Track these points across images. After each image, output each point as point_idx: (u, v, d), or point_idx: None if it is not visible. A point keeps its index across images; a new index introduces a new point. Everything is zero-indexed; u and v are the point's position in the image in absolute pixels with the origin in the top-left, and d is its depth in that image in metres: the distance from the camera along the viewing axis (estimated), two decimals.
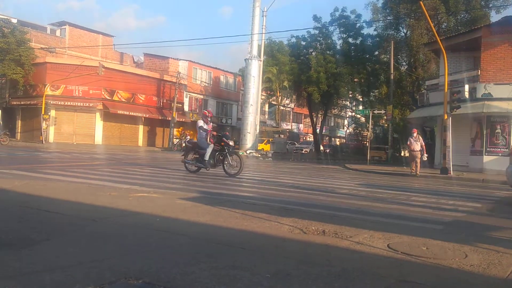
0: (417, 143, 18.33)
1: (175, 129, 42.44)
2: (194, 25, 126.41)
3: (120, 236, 4.29)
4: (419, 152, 18.28)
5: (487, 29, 22.13)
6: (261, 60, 36.29)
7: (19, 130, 39.44)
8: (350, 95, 51.64)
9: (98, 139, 38.39)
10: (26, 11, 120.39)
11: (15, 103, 39.27)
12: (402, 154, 59.50)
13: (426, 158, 19.22)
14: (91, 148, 31.26)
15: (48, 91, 35.93)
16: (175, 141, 41.07)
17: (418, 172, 18.12)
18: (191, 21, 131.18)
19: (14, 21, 40.11)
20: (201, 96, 50.29)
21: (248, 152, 33.65)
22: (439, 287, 3.29)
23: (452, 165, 18.68)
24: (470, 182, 16.16)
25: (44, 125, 34.42)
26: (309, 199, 8.45)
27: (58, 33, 47.11)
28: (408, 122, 35.71)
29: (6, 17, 39.51)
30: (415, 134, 18.59)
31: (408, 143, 18.71)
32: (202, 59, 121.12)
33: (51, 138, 36.45)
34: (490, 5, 33.27)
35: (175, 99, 42.28)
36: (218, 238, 4.35)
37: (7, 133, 29.62)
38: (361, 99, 50.90)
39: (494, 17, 32.36)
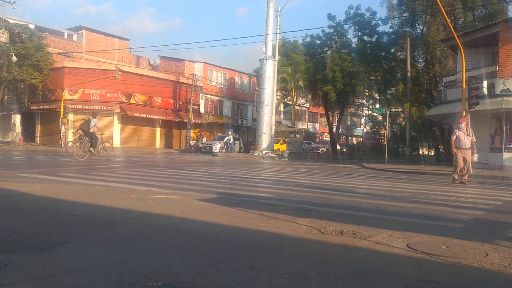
0: (467, 138, 13.44)
1: (191, 131, 42.69)
2: (209, 27, 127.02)
3: (139, 238, 4.34)
4: (470, 151, 13.47)
5: (505, 24, 21.77)
6: (275, 60, 36.25)
7: (38, 135, 40.09)
8: (367, 94, 51.26)
9: (116, 141, 38.74)
10: (44, 17, 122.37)
11: (34, 107, 39.93)
12: (421, 152, 59.09)
13: (477, 159, 14.87)
14: (109, 151, 31.56)
15: (66, 95, 36.45)
16: (192, 142, 41.32)
17: (465, 178, 13.24)
18: (207, 22, 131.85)
19: (32, 26, 40.78)
20: (217, 98, 50.48)
21: (264, 152, 33.64)
22: (459, 286, 3.25)
23: (471, 162, 18.39)
24: (490, 179, 15.91)
25: (63, 129, 34.93)
26: (327, 199, 8.41)
27: (75, 37, 47.79)
28: (426, 119, 35.38)
29: (24, 23, 40.18)
30: (463, 125, 13.76)
31: (454, 137, 13.56)
32: (218, 60, 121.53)
33: None
34: None
35: (191, 101, 42.52)
36: (235, 239, 4.37)
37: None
38: (377, 97, 50.49)
39: None
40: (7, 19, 36.29)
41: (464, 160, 13.19)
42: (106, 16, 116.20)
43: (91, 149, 17.79)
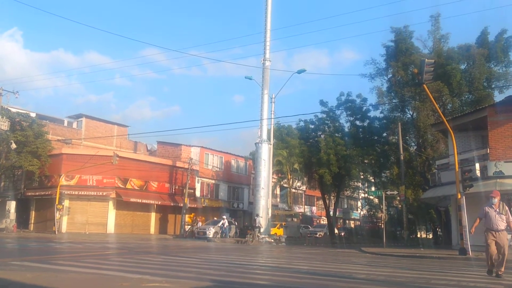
0: (500, 217, 10.34)
1: (186, 215, 42.27)
2: (206, 113, 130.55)
3: None
4: (505, 234, 10.35)
5: (492, 109, 22.52)
6: (271, 144, 36.85)
7: (32, 221, 39.56)
8: (362, 177, 51.56)
9: (111, 228, 38.24)
10: (46, 106, 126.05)
11: (30, 194, 39.78)
12: (419, 236, 58.23)
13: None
14: (104, 238, 31.05)
15: (63, 181, 36.54)
16: (187, 227, 40.76)
17: (502, 270, 10.10)
18: (204, 109, 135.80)
19: (33, 115, 41.84)
20: (213, 181, 50.60)
21: (261, 237, 33.07)
22: None
23: (470, 245, 18.16)
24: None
25: (57, 215, 34.55)
26: (326, 286, 8.21)
27: (75, 125, 48.89)
28: (422, 202, 35.33)
29: (25, 112, 41.29)
30: (495, 200, 10.55)
31: (480, 215, 10.74)
32: (214, 144, 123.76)
33: (63, 228, 36.39)
34: (493, 85, 34.14)
35: (187, 185, 42.58)
36: None
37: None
38: (373, 180, 50.73)
39: (498, 96, 33.01)
40: (9, 108, 37.38)
41: (498, 245, 10.16)
42: (107, 105, 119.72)
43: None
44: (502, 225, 10.25)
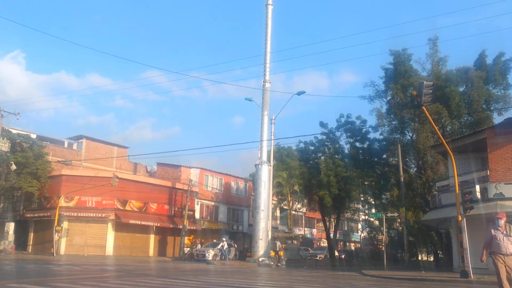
0: (508, 239, 9.60)
1: (186, 238, 41.97)
2: (206, 134, 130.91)
3: None
4: None
5: (491, 131, 22.61)
6: (271, 165, 36.84)
7: (31, 243, 39.24)
8: (362, 198, 51.39)
9: (109, 250, 37.92)
10: (47, 127, 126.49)
11: (29, 215, 39.57)
12: (420, 258, 57.77)
13: None
14: (102, 260, 30.79)
15: (62, 202, 36.37)
16: (186, 250, 40.41)
17: None
18: (205, 130, 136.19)
19: (34, 136, 41.89)
20: (212, 203, 50.38)
21: (260, 259, 32.80)
22: None
23: (472, 267, 18.02)
24: (492, 285, 15.46)
25: (56, 236, 34.32)
26: None
27: (75, 146, 48.95)
28: (423, 224, 35.15)
29: (26, 133, 41.37)
30: (502, 222, 9.82)
31: (487, 239, 9.90)
32: (214, 165, 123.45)
33: (62, 250, 36.08)
34: (492, 108, 34.32)
35: (187, 206, 42.39)
36: None
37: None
38: (373, 202, 50.58)
39: (497, 118, 33.10)
40: (10, 130, 37.48)
41: (509, 270, 9.47)
42: (107, 126, 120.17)
43: None
44: (511, 248, 9.45)
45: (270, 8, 38.32)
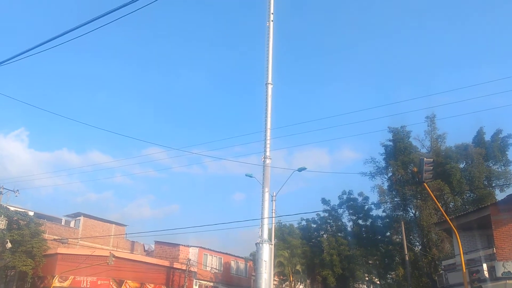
0: None
1: None
2: (206, 212, 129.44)
3: None
4: None
5: (494, 207, 22.31)
6: (272, 244, 35.95)
7: None
8: (367, 278, 49.71)
9: None
10: (45, 204, 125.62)
11: None
12: None
13: None
14: None
15: (56, 283, 35.25)
16: None
17: None
18: (204, 207, 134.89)
19: (31, 213, 41.45)
20: (211, 284, 48.57)
21: None
22: None
23: None
24: None
25: None
26: None
27: (72, 224, 48.31)
28: None
29: (24, 210, 40.96)
30: None
31: None
32: (213, 244, 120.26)
33: None
34: (493, 184, 34.23)
35: (185, 287, 40.86)
36: None
37: None
38: (378, 282, 48.81)
39: (499, 195, 32.89)
40: (7, 207, 37.25)
41: None
42: (106, 203, 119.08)
43: None
44: None
45: (270, 87, 39.37)
